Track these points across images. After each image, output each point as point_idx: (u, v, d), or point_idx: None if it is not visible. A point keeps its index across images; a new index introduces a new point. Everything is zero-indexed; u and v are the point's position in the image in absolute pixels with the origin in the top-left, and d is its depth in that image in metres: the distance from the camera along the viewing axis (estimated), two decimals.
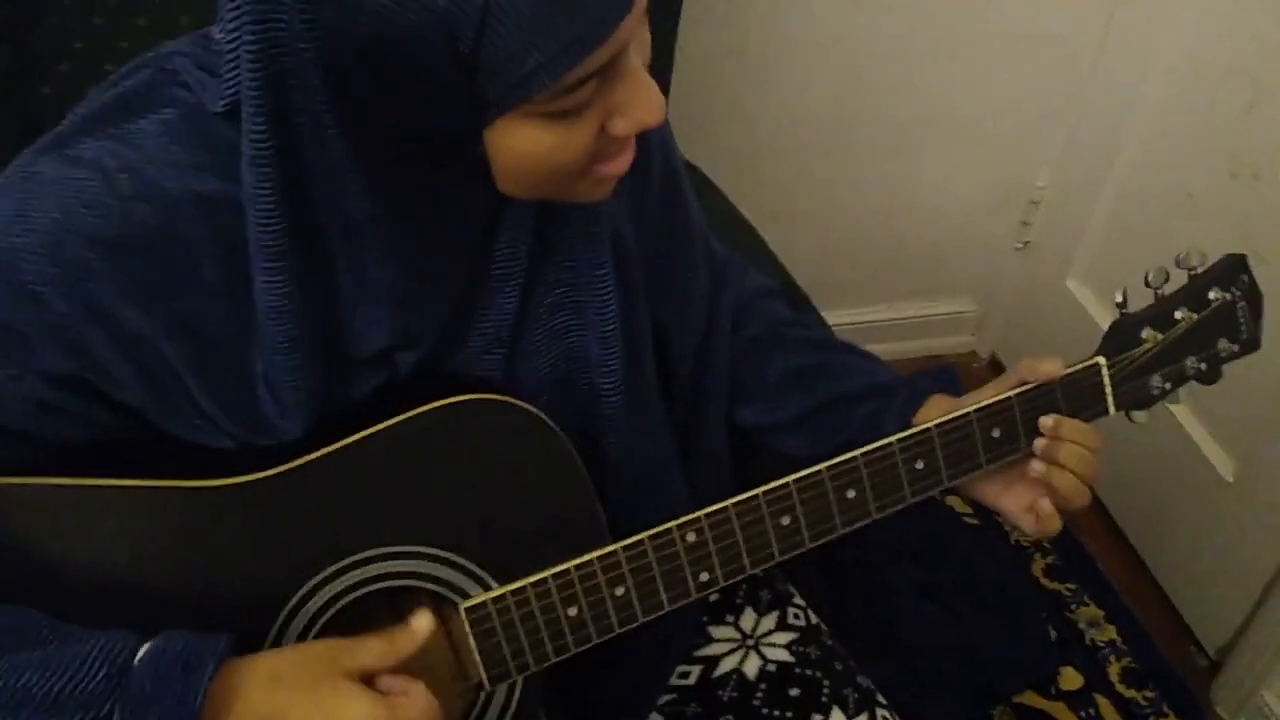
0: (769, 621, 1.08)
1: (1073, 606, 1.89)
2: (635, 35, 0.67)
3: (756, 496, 0.86)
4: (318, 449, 0.80)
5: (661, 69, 1.48)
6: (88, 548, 0.76)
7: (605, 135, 0.71)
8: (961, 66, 1.94)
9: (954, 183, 2.10)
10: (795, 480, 0.86)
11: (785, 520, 0.87)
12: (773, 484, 0.86)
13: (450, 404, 0.81)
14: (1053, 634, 1.83)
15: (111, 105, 0.74)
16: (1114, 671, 1.79)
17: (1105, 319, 1.99)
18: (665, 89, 1.48)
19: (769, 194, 1.59)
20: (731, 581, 0.87)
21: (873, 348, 1.07)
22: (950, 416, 0.88)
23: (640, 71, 0.69)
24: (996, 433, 0.89)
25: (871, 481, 0.88)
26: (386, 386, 0.83)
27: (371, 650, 0.75)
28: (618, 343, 0.89)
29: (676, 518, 0.85)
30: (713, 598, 1.10)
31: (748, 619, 1.08)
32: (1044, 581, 1.93)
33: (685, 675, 1.05)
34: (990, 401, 0.89)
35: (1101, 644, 1.83)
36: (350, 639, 0.76)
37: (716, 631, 1.07)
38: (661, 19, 1.45)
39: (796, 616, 1.09)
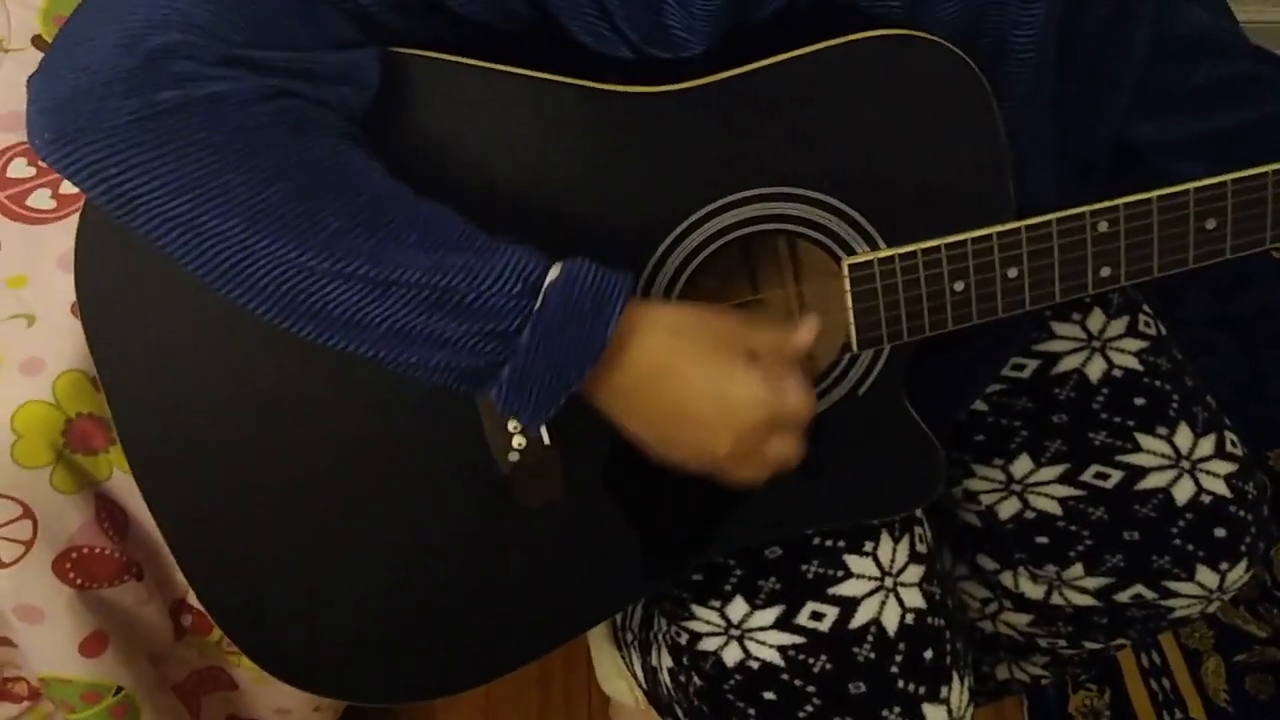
0: (1118, 326, 1.00)
1: None
2: None
3: (1186, 193, 0.76)
4: (712, 72, 0.73)
5: None
6: (493, 134, 0.73)
7: None
8: None
9: None
10: (1233, 180, 0.76)
11: (1211, 224, 0.77)
12: (1204, 181, 0.76)
13: (872, 37, 0.73)
14: None
15: None
16: None
17: None
18: None
19: None
20: (1132, 283, 0.79)
21: None
22: None
23: None
24: None
25: None
26: (783, 15, 0.75)
27: (766, 336, 0.73)
28: None
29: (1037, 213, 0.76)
30: None
31: (1095, 319, 1.00)
32: None
33: (1020, 368, 0.99)
34: None
35: None
36: (748, 318, 0.73)
37: (1060, 328, 1.00)
38: None
39: (1147, 325, 1.01)
